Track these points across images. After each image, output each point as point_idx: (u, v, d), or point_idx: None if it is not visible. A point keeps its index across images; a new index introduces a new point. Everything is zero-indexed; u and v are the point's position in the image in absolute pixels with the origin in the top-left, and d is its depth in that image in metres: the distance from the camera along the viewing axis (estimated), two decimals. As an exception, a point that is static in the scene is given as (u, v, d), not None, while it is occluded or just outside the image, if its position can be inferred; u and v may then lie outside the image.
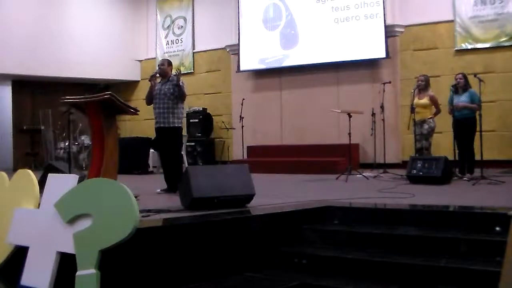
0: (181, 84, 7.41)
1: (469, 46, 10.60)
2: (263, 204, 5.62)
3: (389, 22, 11.27)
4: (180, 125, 7.60)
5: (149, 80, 7.66)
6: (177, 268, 4.14)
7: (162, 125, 7.47)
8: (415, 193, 6.44)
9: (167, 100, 7.44)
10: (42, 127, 14.49)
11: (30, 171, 4.25)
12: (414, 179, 7.93)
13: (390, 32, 11.28)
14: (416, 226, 4.87)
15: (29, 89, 15.04)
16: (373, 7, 11.38)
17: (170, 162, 7.51)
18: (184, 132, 9.89)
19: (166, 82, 7.56)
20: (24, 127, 14.91)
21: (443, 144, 9.76)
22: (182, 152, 9.24)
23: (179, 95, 7.44)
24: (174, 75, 7.67)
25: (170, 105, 7.44)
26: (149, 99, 7.67)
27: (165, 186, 7.48)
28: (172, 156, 7.53)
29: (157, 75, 7.65)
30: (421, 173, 7.89)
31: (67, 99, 6.18)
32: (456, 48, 10.74)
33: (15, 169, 11.48)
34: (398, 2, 11.39)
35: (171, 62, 8.02)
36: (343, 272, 4.43)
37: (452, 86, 8.71)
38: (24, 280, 3.66)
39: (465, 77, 8.63)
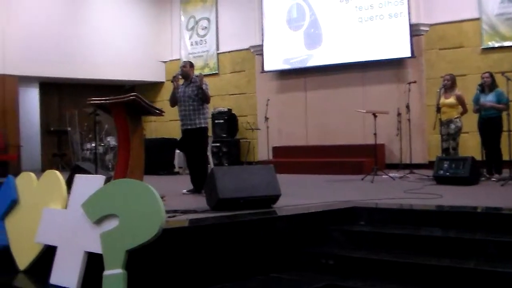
0: (204, 87, 7.43)
1: (496, 44, 10.42)
2: (289, 204, 5.61)
3: (413, 21, 11.16)
4: (206, 125, 7.62)
5: (172, 82, 7.70)
6: (203, 268, 4.15)
7: (188, 127, 7.49)
8: (442, 193, 6.37)
9: (192, 102, 7.46)
10: (69, 129, 14.66)
11: (57, 172, 4.30)
12: (441, 180, 7.83)
13: (415, 31, 11.16)
14: (443, 227, 4.83)
15: (56, 91, 15.25)
16: (397, 6, 11.28)
17: (196, 162, 7.53)
18: (210, 133, 9.91)
19: (189, 84, 7.58)
20: (52, 129, 15.10)
21: (470, 144, 9.64)
22: (208, 153, 9.27)
23: (203, 98, 7.47)
24: (196, 76, 7.70)
25: (195, 106, 7.46)
26: (173, 101, 7.70)
27: (191, 187, 7.50)
28: (198, 156, 7.54)
29: (179, 76, 7.67)
30: (448, 173, 7.79)
31: (93, 101, 6.23)
32: (482, 47, 10.56)
33: (43, 170, 11.65)
34: (423, 0, 11.28)
35: (193, 64, 8.05)
36: (370, 273, 4.41)
37: (479, 85, 8.61)
38: (53, 279, 3.71)
39: (491, 76, 8.51)
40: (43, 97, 15.23)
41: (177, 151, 12.78)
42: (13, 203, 4.46)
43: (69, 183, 4.03)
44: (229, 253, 4.36)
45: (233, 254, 4.38)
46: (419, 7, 11.28)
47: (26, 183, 4.51)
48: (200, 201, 5.97)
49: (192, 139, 7.53)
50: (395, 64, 11.50)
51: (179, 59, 15.05)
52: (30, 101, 15.30)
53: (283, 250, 4.72)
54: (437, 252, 4.44)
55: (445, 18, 10.94)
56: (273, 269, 4.54)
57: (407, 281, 4.19)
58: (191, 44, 15.16)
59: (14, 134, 13.51)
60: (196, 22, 15.05)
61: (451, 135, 8.67)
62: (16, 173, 5.30)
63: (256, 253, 4.54)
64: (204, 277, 4.12)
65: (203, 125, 7.53)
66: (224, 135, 13.58)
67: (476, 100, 8.56)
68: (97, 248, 3.50)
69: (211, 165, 10.74)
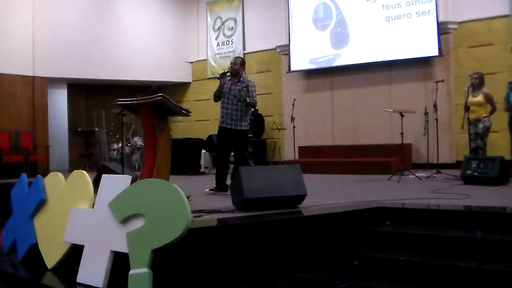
0: (251, 100, 7.32)
1: (527, 42, 10.26)
2: (315, 204, 5.58)
3: (441, 19, 11.04)
4: (247, 128, 7.47)
5: (218, 78, 7.55)
6: (228, 268, 4.16)
7: (228, 126, 7.35)
8: (470, 194, 6.28)
9: (237, 101, 7.32)
10: (96, 129, 14.83)
11: (85, 172, 4.34)
12: (468, 180, 7.72)
13: (443, 29, 11.04)
14: (470, 228, 4.75)
15: (83, 92, 15.45)
16: (425, 4, 11.17)
17: (235, 163, 7.38)
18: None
19: (237, 82, 7.42)
20: (79, 129, 15.29)
21: (500, 143, 9.49)
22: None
23: (249, 103, 7.36)
24: (247, 79, 7.53)
25: (239, 107, 7.32)
26: (217, 97, 7.53)
27: (214, 186, 7.43)
28: (239, 158, 7.45)
29: (228, 74, 7.49)
30: (476, 173, 7.67)
31: (120, 101, 6.27)
32: (513, 44, 10.42)
33: (70, 170, 11.79)
34: (451, -2, 11.16)
35: (244, 62, 7.84)
36: (396, 274, 4.36)
37: (509, 83, 8.48)
38: (80, 278, 3.75)
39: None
40: (71, 98, 15.43)
41: (204, 151, 12.83)
42: (42, 203, 4.53)
43: (96, 183, 4.07)
44: (254, 254, 4.35)
45: (258, 255, 4.37)
46: (447, 4, 11.14)
47: (54, 183, 4.57)
48: (225, 201, 5.98)
49: (230, 140, 7.39)
50: (423, 63, 11.40)
51: (205, 60, 15.15)
52: (59, 102, 15.51)
53: (309, 250, 4.70)
54: (465, 253, 4.37)
55: (474, 15, 10.79)
56: (298, 269, 4.53)
57: (433, 283, 4.13)
58: (218, 45, 15.20)
59: (43, 135, 13.73)
60: (223, 23, 15.09)
61: (479, 135, 8.56)
62: (45, 173, 5.37)
63: (281, 253, 4.52)
64: (229, 277, 4.13)
65: (243, 128, 7.38)
66: (250, 135, 13.53)
67: (508, 98, 8.42)
68: (123, 247, 3.53)
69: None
